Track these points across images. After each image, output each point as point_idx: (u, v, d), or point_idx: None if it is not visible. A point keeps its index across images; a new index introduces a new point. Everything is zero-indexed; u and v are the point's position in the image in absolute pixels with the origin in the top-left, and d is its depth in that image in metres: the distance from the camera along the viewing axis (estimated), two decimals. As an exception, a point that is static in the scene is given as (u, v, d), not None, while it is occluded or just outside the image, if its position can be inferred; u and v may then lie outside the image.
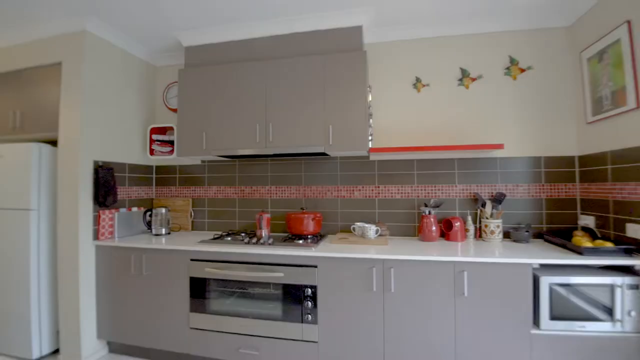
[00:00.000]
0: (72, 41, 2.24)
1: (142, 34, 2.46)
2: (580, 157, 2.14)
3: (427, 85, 2.36)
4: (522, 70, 2.22)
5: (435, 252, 1.82)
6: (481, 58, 2.29)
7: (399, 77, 2.41)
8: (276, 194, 2.61)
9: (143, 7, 2.10)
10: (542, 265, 1.70)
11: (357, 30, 2.19)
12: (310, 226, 2.26)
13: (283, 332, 1.93)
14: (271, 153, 2.27)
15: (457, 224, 2.14)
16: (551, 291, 1.63)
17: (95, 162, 2.30)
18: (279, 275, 1.93)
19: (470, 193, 2.29)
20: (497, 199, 2.18)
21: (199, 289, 2.06)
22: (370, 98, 2.24)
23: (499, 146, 2.03)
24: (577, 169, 2.17)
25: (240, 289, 2.00)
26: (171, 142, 2.72)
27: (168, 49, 2.73)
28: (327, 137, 2.15)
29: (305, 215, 2.26)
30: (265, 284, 1.97)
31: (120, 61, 2.52)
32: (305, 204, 2.55)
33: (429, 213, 2.19)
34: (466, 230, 2.21)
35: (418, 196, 2.36)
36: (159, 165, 2.89)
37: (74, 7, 2.06)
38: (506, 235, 2.20)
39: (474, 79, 2.29)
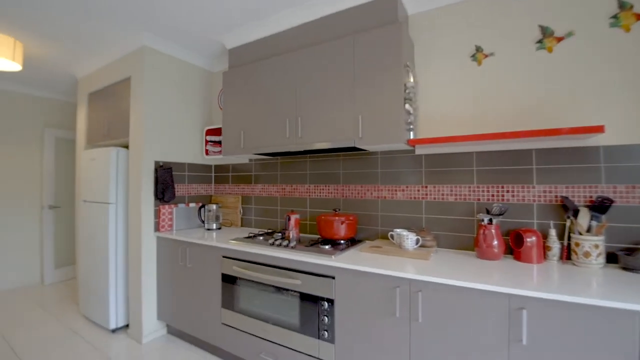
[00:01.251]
0: (136, 57, 2.55)
1: (191, 43, 2.62)
2: None
3: (492, 54, 1.81)
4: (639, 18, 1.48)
5: (495, 275, 1.37)
6: (571, 9, 1.61)
7: (452, 49, 1.92)
8: (315, 193, 2.45)
9: (183, 17, 2.22)
10: (662, 315, 1.08)
11: (393, 1, 1.84)
12: (340, 230, 2.02)
13: (300, 345, 1.77)
14: (301, 150, 2.12)
15: (532, 238, 1.58)
16: (678, 359, 1.01)
17: (156, 163, 2.58)
18: (297, 283, 1.78)
19: (555, 197, 1.66)
20: (599, 206, 1.52)
21: (229, 287, 2.08)
22: (411, 79, 1.85)
23: (598, 129, 1.40)
24: None
25: (264, 291, 1.93)
26: (221, 142, 2.84)
27: (220, 55, 2.86)
28: (356, 128, 1.88)
29: (335, 218, 2.03)
30: (285, 290, 1.84)
31: (179, 70, 2.76)
32: (343, 204, 2.31)
33: (490, 222, 1.68)
34: (547, 248, 1.61)
35: (478, 199, 1.85)
36: (217, 165, 3.08)
37: (132, 24, 2.32)
38: (612, 258, 1.51)
39: (560, 39, 1.64)
